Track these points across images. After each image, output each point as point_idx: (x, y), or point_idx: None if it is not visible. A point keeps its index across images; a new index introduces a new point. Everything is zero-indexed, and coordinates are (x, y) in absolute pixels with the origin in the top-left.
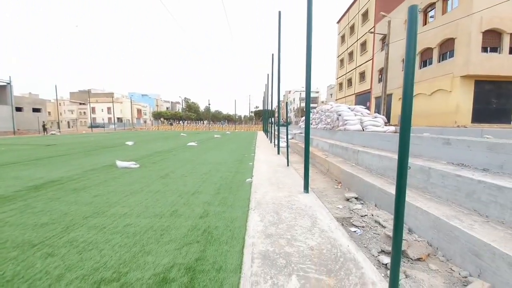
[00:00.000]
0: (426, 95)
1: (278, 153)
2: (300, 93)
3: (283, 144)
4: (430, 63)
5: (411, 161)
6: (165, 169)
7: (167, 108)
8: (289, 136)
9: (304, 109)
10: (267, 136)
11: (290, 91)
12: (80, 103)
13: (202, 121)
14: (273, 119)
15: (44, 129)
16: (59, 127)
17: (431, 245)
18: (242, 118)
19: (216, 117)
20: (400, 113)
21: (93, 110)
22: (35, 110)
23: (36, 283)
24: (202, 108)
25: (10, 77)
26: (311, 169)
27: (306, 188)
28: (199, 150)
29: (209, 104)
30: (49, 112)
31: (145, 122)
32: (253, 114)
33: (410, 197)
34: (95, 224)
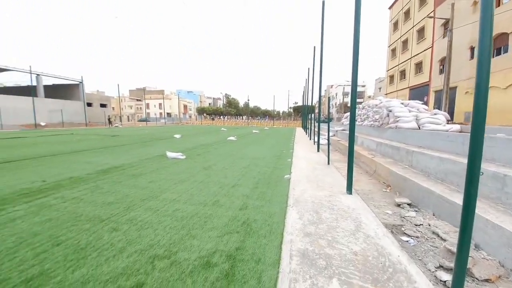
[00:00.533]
0: (499, 88)
1: (318, 150)
2: (344, 88)
3: (323, 141)
4: (506, 51)
5: (481, 165)
6: (207, 161)
7: (209, 104)
8: (330, 133)
9: (348, 105)
10: (306, 132)
11: (332, 86)
12: (137, 100)
13: (241, 116)
14: (313, 115)
15: (109, 122)
16: (121, 121)
17: (503, 265)
18: (281, 114)
19: (255, 113)
20: (473, 109)
21: (147, 105)
22: (102, 105)
23: (104, 252)
24: (241, 103)
25: (82, 77)
26: (355, 169)
27: (349, 188)
28: (239, 144)
29: (248, 100)
30: (113, 107)
31: (190, 117)
32: (291, 110)
33: (479, 208)
34: (150, 206)
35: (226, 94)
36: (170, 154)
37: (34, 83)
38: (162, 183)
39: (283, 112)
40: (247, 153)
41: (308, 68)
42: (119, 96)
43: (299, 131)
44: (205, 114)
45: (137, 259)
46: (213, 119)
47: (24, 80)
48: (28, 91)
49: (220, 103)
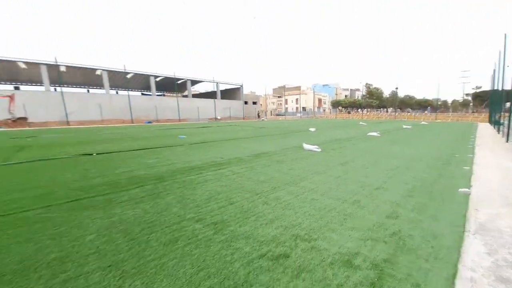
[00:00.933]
0: None
1: None
2: None
3: None
4: None
5: None
6: (344, 157)
7: (345, 96)
8: None
9: None
10: (498, 130)
11: None
12: (278, 96)
13: (385, 109)
14: None
15: (258, 116)
16: (265, 115)
17: None
18: (449, 104)
19: (406, 104)
20: None
21: (285, 101)
22: (254, 103)
23: (259, 219)
24: (386, 93)
25: (242, 82)
26: None
27: None
28: (382, 141)
29: (396, 89)
30: (260, 104)
31: (324, 110)
32: (469, 98)
33: None
34: (291, 191)
35: (366, 83)
36: (306, 146)
37: (215, 89)
38: (300, 172)
39: (454, 101)
40: (395, 152)
41: (505, 34)
42: (265, 95)
43: (484, 127)
44: (340, 107)
45: (282, 233)
46: (349, 112)
47: (206, 87)
48: (211, 95)
49: (358, 95)
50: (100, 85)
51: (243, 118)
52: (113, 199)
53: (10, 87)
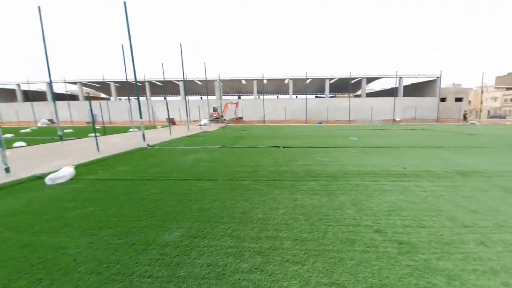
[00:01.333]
0: None
1: None
2: None
3: None
4: None
5: None
6: None
7: None
8: None
9: None
10: None
11: None
12: (507, 89)
13: None
14: None
15: (464, 118)
16: (477, 116)
17: None
18: None
19: None
20: None
21: None
22: (457, 99)
23: (470, 261)
24: None
25: (440, 71)
26: None
27: None
28: None
29: None
30: (469, 101)
31: None
32: None
33: None
34: None
35: None
36: None
37: (396, 85)
38: None
39: None
40: None
41: None
42: (481, 86)
43: None
44: None
45: None
46: None
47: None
48: (389, 93)
49: None
50: (285, 92)
51: (436, 121)
52: (295, 186)
53: (235, 97)
